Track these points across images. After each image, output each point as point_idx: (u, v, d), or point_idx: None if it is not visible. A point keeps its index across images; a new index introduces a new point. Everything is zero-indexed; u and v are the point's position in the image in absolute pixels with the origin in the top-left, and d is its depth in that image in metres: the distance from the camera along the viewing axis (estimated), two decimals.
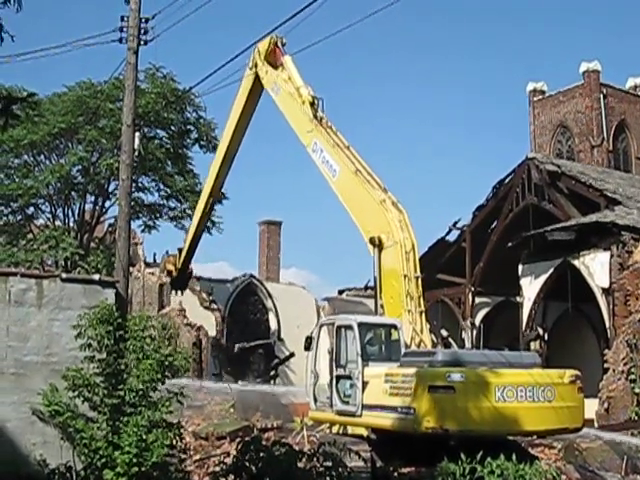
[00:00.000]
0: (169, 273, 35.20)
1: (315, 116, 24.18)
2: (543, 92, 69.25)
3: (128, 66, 18.34)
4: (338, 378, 18.48)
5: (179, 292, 36.03)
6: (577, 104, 65.61)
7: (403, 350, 18.46)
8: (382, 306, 20.85)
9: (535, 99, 69.00)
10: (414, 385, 16.09)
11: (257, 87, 27.72)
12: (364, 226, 21.60)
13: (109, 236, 40.07)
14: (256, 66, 27.10)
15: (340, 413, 18.33)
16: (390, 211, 21.08)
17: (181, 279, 35.06)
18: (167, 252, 37.70)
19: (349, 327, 18.50)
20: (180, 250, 34.93)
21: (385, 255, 20.81)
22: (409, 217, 21.14)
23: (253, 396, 28.19)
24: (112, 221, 38.80)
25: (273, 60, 26.99)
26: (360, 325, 18.42)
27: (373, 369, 17.75)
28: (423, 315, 20.41)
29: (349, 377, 18.14)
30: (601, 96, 64.86)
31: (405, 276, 20.26)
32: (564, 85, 67.36)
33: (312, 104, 24.30)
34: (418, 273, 20.66)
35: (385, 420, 16.79)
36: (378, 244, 20.80)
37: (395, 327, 19.19)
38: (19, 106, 17.06)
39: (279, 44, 26.59)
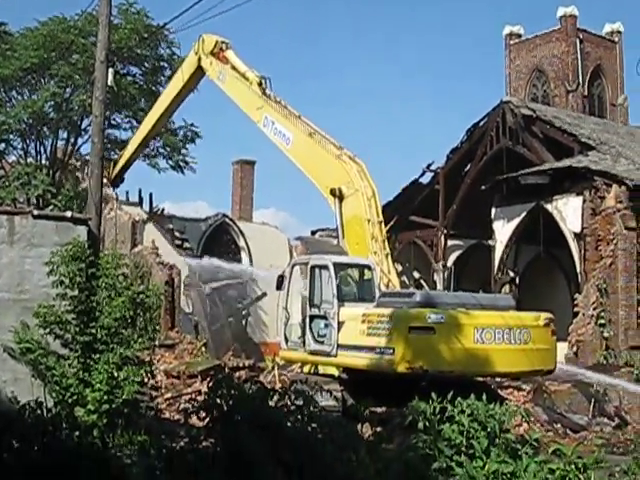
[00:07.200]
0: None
1: (264, 93, 24.83)
2: (519, 36, 69.03)
3: (102, 1, 18.02)
4: (312, 318, 18.53)
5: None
6: (553, 48, 65.48)
7: (377, 291, 18.51)
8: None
9: (511, 42, 68.78)
10: (393, 325, 16.15)
11: (199, 72, 28.56)
12: (323, 182, 21.80)
13: (81, 173, 39.62)
14: (200, 59, 27.89)
15: (313, 353, 18.40)
16: (348, 163, 21.33)
17: (113, 185, 35.88)
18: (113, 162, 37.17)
19: (324, 267, 18.54)
20: (115, 162, 34.89)
21: (346, 204, 21.01)
22: (368, 168, 21.52)
23: (225, 336, 28.32)
24: (85, 158, 38.37)
25: (217, 55, 27.66)
26: (335, 265, 18.46)
27: (349, 309, 17.80)
28: (389, 257, 20.61)
29: (324, 317, 18.20)
30: (577, 41, 64.77)
31: (368, 220, 20.48)
32: (541, 29, 67.20)
33: (260, 84, 25.01)
34: (381, 218, 20.98)
35: (362, 360, 16.88)
36: (339, 194, 20.99)
37: (369, 268, 19.25)
38: None
39: (224, 47, 27.43)
